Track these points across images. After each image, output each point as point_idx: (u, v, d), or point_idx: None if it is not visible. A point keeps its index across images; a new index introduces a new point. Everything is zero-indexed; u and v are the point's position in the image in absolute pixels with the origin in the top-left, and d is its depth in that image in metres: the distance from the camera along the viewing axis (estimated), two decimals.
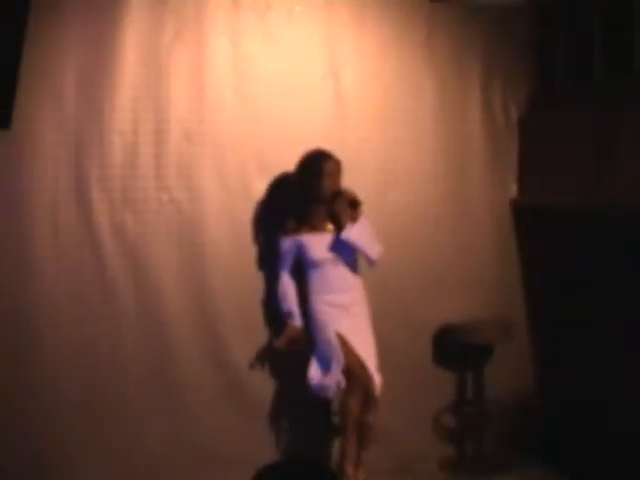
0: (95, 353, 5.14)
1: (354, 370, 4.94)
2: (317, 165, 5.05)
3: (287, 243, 5.10)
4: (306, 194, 5.09)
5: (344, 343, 4.98)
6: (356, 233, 5.03)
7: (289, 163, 5.23)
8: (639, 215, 4.88)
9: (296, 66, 5.41)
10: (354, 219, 4.99)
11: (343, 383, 4.93)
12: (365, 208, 5.05)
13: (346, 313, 5.07)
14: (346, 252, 5.09)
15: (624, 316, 5.11)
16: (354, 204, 4.99)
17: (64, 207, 5.07)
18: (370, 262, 5.18)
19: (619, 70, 5.20)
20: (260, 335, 5.35)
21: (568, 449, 5.55)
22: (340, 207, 5.00)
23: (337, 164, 5.08)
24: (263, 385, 5.37)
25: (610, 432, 5.21)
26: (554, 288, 5.77)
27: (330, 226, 5.10)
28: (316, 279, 5.11)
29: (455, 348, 5.68)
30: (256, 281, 5.36)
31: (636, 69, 5.02)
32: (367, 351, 5.02)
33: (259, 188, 5.36)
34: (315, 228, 5.10)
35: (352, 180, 5.17)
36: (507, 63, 5.91)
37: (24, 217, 5.00)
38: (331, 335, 4.99)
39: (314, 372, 5.02)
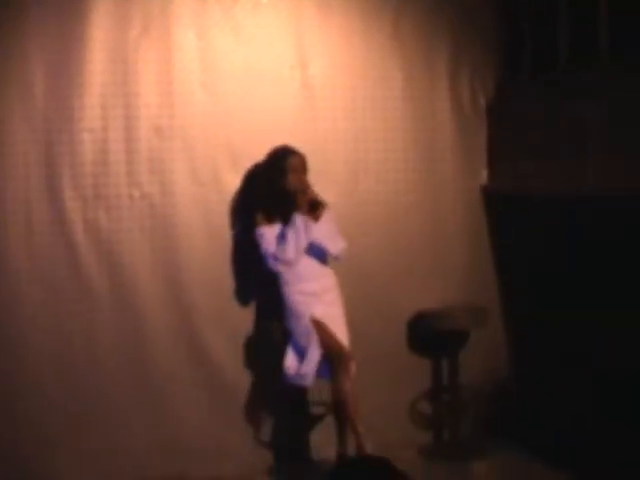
0: (72, 351, 5.15)
1: (337, 352, 4.96)
2: (282, 161, 5.08)
3: (264, 228, 5.06)
4: (272, 189, 5.11)
5: (322, 327, 5.01)
6: (316, 233, 5.06)
7: (259, 154, 5.26)
8: (608, 201, 4.92)
9: (264, 58, 5.42)
10: (315, 219, 5.00)
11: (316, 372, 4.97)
12: (335, 198, 5.11)
13: (320, 300, 5.09)
14: (313, 244, 5.12)
15: (595, 301, 5.14)
16: (315, 205, 5.01)
17: (36, 206, 5.08)
18: (333, 258, 5.22)
19: (585, 57, 5.22)
20: (235, 326, 5.36)
21: (541, 433, 5.58)
22: (302, 207, 5.01)
23: (302, 160, 5.10)
24: (240, 376, 5.38)
25: (583, 415, 5.25)
26: (526, 274, 5.81)
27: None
28: (288, 270, 5.14)
29: (429, 335, 5.71)
30: (230, 272, 5.37)
31: (601, 56, 5.05)
32: (341, 338, 5.05)
33: (230, 180, 5.37)
34: (282, 221, 5.10)
35: (322, 170, 5.22)
36: (474, 52, 5.94)
37: None
38: (307, 322, 5.01)
39: (290, 362, 5.03)
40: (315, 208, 5.00)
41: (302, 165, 5.09)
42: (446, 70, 5.88)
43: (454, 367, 5.69)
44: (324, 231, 5.09)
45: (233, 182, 5.37)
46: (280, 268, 5.04)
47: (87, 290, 5.18)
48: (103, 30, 5.11)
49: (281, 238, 5.01)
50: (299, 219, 4.96)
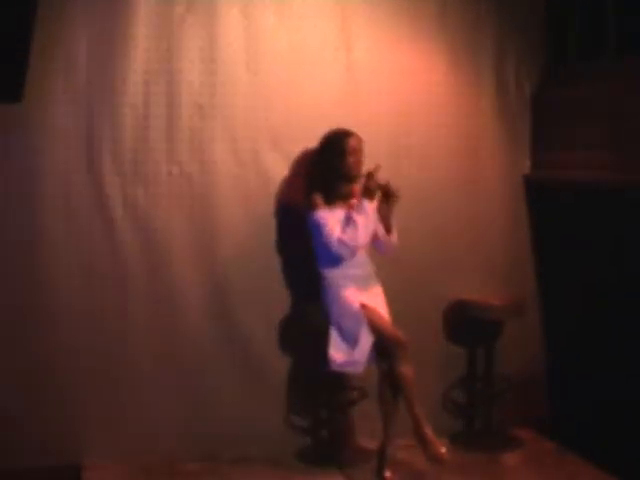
0: (104, 324, 5.17)
1: (391, 334, 4.89)
2: (340, 143, 5.05)
3: (324, 212, 5.00)
4: (330, 172, 5.08)
5: (375, 314, 4.98)
6: (396, 237, 5.14)
7: (301, 136, 5.27)
8: None
9: (308, 39, 5.39)
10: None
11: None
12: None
13: (365, 285, 5.09)
14: None
15: (635, 294, 5.08)
16: (385, 192, 5.04)
17: (75, 179, 5.08)
18: (382, 248, 5.23)
19: (633, 45, 5.15)
20: (272, 308, 5.35)
21: (575, 425, 5.56)
22: (382, 208, 5.07)
23: (360, 141, 5.07)
24: (272, 356, 5.37)
25: (617, 409, 5.22)
26: (566, 266, 5.75)
27: (353, 202, 5.08)
28: (351, 256, 5.07)
29: (466, 324, 5.68)
30: (268, 254, 5.36)
31: None
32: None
33: (271, 161, 5.35)
34: (339, 205, 5.07)
35: (365, 154, 5.15)
36: (520, 39, 5.88)
37: (35, 190, 5.02)
38: (356, 308, 4.97)
39: (337, 349, 4.98)
40: (375, 193, 5.00)
41: (360, 147, 5.07)
42: (491, 56, 5.84)
43: (489, 357, 5.66)
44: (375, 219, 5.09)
45: (273, 163, 5.35)
46: (345, 253, 4.99)
47: (122, 264, 5.19)
48: (148, 5, 5.11)
49: (346, 223, 4.97)
50: (369, 206, 4.95)
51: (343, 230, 4.95)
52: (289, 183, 5.37)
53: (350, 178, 5.07)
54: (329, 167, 5.08)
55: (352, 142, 5.05)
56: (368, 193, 4.96)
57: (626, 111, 5.09)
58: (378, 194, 5.03)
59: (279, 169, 5.38)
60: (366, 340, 4.90)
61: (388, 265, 5.34)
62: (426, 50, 5.64)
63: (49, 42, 4.94)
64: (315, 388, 5.35)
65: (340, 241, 4.95)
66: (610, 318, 5.31)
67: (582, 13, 5.64)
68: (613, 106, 5.20)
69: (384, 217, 5.12)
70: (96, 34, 5.04)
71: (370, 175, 4.96)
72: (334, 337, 5.01)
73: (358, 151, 5.06)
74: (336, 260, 5.04)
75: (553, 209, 5.81)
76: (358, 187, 5.04)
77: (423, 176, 5.64)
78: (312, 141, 5.20)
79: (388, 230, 5.15)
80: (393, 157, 5.54)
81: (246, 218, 5.34)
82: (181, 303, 5.28)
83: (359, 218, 4.94)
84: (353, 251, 5.00)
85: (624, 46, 5.25)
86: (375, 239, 5.18)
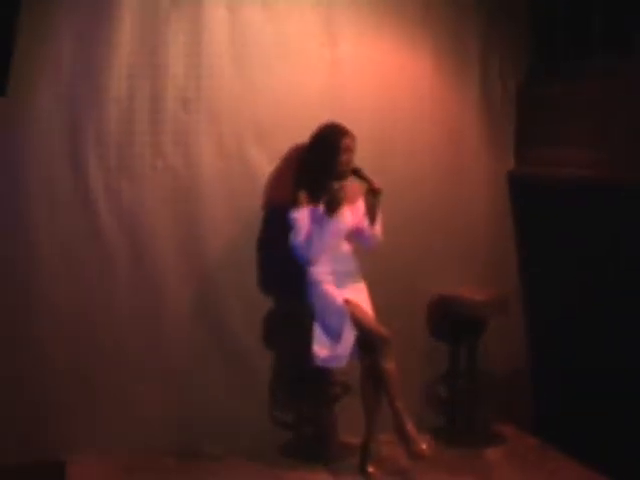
0: (90, 320, 5.15)
1: (374, 329, 4.89)
2: (335, 141, 5.04)
3: (302, 213, 5.02)
4: (320, 169, 5.07)
5: (356, 306, 4.98)
6: (379, 230, 5.14)
7: (286, 130, 5.28)
8: (635, 190, 4.87)
9: (293, 34, 5.38)
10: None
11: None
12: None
13: (349, 281, 5.10)
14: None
15: (620, 292, 5.11)
16: (375, 193, 5.05)
17: (60, 173, 5.07)
18: (369, 247, 5.26)
19: (618, 41, 5.17)
20: (255, 301, 5.35)
21: (558, 421, 5.59)
22: (368, 201, 5.09)
23: (354, 140, 5.07)
24: (257, 351, 5.37)
25: (600, 405, 5.23)
26: (550, 262, 5.77)
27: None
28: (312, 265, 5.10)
29: (449, 320, 5.69)
30: (252, 247, 5.36)
31: (635, 41, 5.00)
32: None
33: (255, 155, 5.35)
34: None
35: None
36: (505, 36, 5.89)
37: (20, 184, 5.00)
38: (340, 302, 4.97)
39: (321, 344, 4.97)
40: (375, 196, 5.06)
41: (354, 145, 5.07)
42: (476, 53, 5.85)
43: (472, 353, 5.66)
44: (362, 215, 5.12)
45: (258, 157, 5.36)
46: (305, 262, 5.04)
47: (107, 259, 5.17)
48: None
49: (313, 225, 4.99)
50: (323, 217, 4.96)
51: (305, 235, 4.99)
52: (276, 179, 5.37)
53: (340, 176, 5.06)
54: (320, 164, 5.07)
55: (347, 141, 5.04)
56: (331, 205, 4.95)
57: (610, 109, 5.10)
58: (361, 192, 5.08)
59: (264, 163, 5.37)
60: (349, 335, 4.90)
61: (372, 260, 5.34)
62: (410, 46, 5.64)
63: (34, 36, 4.92)
64: (299, 383, 5.35)
65: (297, 246, 4.99)
66: (593, 314, 5.32)
67: (566, 10, 5.64)
68: (597, 104, 5.21)
69: (369, 209, 5.13)
70: (81, 29, 5.02)
71: (340, 188, 4.97)
72: (318, 332, 5.01)
73: (351, 150, 5.07)
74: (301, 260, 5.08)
75: (537, 205, 5.82)
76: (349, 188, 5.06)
77: (407, 171, 5.65)
78: (297, 135, 5.22)
79: (372, 222, 5.16)
80: (377, 152, 5.54)
81: (231, 212, 5.34)
82: (165, 298, 5.27)
83: (314, 231, 4.97)
84: (306, 259, 5.03)
85: (608, 44, 5.25)
86: (359, 233, 5.18)
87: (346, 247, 5.16)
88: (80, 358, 5.13)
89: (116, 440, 5.19)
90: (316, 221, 4.99)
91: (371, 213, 5.14)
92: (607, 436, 5.08)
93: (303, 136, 5.15)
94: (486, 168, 5.88)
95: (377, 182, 5.06)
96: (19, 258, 5.02)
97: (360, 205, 5.15)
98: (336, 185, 4.96)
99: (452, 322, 5.69)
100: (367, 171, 5.10)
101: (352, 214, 5.13)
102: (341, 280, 5.08)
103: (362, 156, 5.14)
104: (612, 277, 5.17)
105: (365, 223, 5.16)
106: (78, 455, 5.09)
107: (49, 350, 5.07)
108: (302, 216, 5.01)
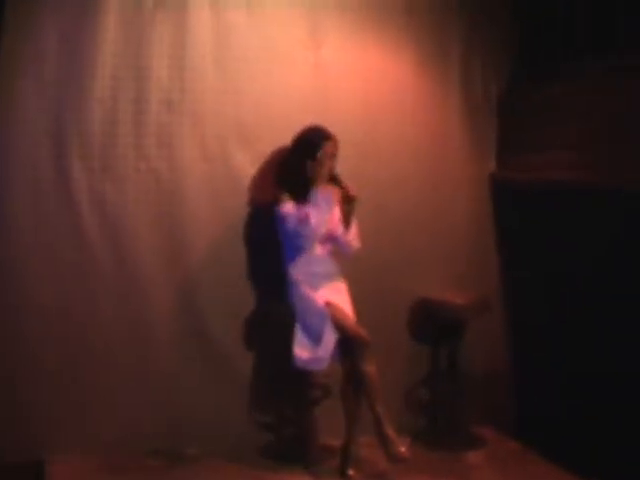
0: (73, 321, 5.16)
1: (354, 332, 4.89)
2: (316, 145, 5.06)
3: (288, 205, 5.05)
4: (302, 172, 5.09)
5: (339, 311, 4.99)
6: (354, 236, 5.16)
7: (269, 133, 5.31)
8: (620, 194, 4.90)
9: (277, 37, 5.42)
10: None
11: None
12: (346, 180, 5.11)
13: (330, 283, 5.11)
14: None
15: (598, 294, 5.13)
16: (349, 199, 5.05)
17: (43, 175, 5.08)
18: (346, 253, 5.27)
19: (600, 46, 5.19)
20: (239, 305, 5.33)
21: (539, 425, 5.59)
22: (343, 207, 5.11)
23: (336, 144, 5.08)
24: (238, 355, 5.34)
25: (581, 408, 5.24)
26: (531, 265, 5.79)
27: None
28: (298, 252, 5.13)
29: (430, 323, 5.69)
30: (236, 250, 5.37)
31: (616, 45, 5.03)
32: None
33: (239, 157, 5.37)
34: (307, 203, 5.09)
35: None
36: (487, 41, 5.92)
37: (2, 185, 5.00)
38: (321, 304, 4.98)
39: (302, 346, 4.97)
40: (349, 203, 5.07)
41: (336, 150, 5.10)
42: (459, 58, 5.88)
43: (453, 355, 5.68)
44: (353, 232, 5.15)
45: (242, 159, 5.38)
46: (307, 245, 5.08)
47: (90, 261, 5.18)
48: (118, 1, 5.11)
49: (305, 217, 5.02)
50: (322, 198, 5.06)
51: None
52: (258, 182, 5.37)
53: (319, 180, 5.10)
54: (301, 167, 5.08)
55: (329, 146, 5.07)
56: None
57: (592, 112, 5.12)
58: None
59: (247, 165, 5.39)
60: (330, 337, 4.90)
61: (353, 263, 5.34)
62: (393, 50, 5.67)
63: (18, 36, 4.94)
64: (280, 385, 5.35)
65: (293, 227, 5.02)
66: (574, 317, 5.34)
67: (549, 15, 5.66)
68: (579, 107, 5.23)
69: (344, 216, 5.13)
70: (65, 29, 5.04)
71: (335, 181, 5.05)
72: (299, 334, 5.02)
73: (333, 155, 5.09)
74: (301, 248, 5.10)
75: (518, 209, 5.84)
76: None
77: (389, 175, 5.67)
78: (280, 138, 5.23)
79: (347, 228, 5.17)
80: (360, 155, 5.57)
81: (214, 214, 5.35)
82: (149, 299, 5.28)
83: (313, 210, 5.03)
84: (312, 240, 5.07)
85: (591, 48, 5.27)
86: (333, 239, 5.20)
87: (320, 250, 5.16)
88: (60, 358, 5.12)
89: (96, 440, 5.17)
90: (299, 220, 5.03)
91: (346, 220, 5.15)
92: (588, 438, 5.09)
93: (287, 138, 5.17)
94: (468, 170, 5.90)
95: (353, 188, 5.06)
96: (4, 258, 5.02)
97: (336, 211, 5.16)
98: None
99: (433, 325, 5.69)
100: (349, 173, 5.12)
101: (326, 219, 5.13)
102: (322, 282, 5.09)
103: (345, 158, 5.16)
104: (594, 279, 5.18)
105: (340, 230, 5.17)
106: (59, 455, 5.07)
107: (29, 347, 5.07)
108: (289, 207, 5.03)
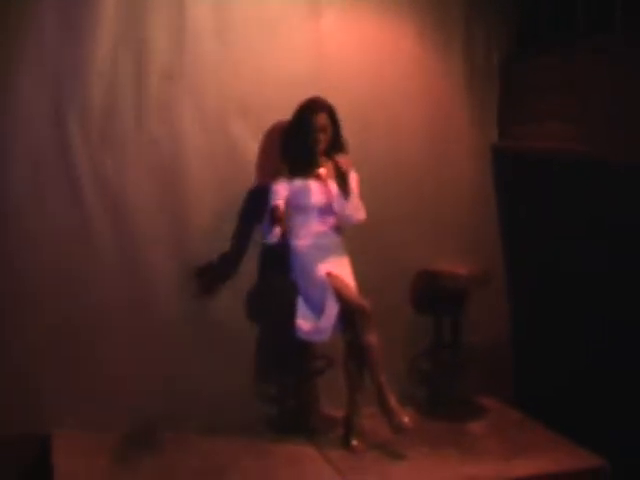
0: (71, 291, 5.15)
1: (355, 302, 4.90)
2: (308, 120, 5.06)
3: (280, 184, 5.07)
4: (299, 146, 5.11)
5: (340, 282, 4.98)
6: (351, 208, 5.08)
7: (270, 105, 5.29)
8: (621, 164, 4.89)
9: (277, 8, 5.38)
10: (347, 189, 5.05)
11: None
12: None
13: (331, 254, 5.11)
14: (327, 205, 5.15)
15: (602, 265, 5.14)
16: (342, 174, 5.02)
17: (43, 149, 5.06)
18: (346, 225, 5.24)
19: (601, 19, 5.16)
20: (240, 276, 5.36)
21: (540, 395, 5.63)
22: (337, 182, 5.04)
23: (326, 118, 5.07)
24: (241, 326, 5.35)
25: (582, 379, 5.28)
26: (533, 236, 5.80)
27: (320, 172, 5.08)
28: (300, 224, 5.12)
29: (433, 293, 5.71)
30: (235, 218, 5.37)
31: (618, 19, 5.01)
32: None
33: (239, 129, 5.36)
34: (307, 176, 5.10)
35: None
36: (490, 8, 5.88)
37: (2, 158, 4.98)
38: (322, 277, 4.99)
39: (303, 320, 4.99)
40: (343, 178, 5.02)
41: (328, 121, 5.08)
42: (461, 27, 5.84)
43: (455, 326, 5.70)
44: (354, 202, 5.09)
45: (242, 131, 5.36)
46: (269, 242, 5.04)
47: (90, 233, 5.17)
48: None
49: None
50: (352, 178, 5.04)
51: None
52: (260, 162, 5.40)
53: (318, 153, 5.10)
54: (298, 141, 5.11)
55: (318, 119, 5.06)
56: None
57: (593, 83, 5.11)
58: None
59: (247, 137, 5.38)
60: (332, 308, 4.91)
61: (355, 235, 5.34)
62: (394, 19, 5.62)
63: (17, 11, 4.91)
64: (283, 357, 5.37)
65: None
66: (576, 288, 5.36)
67: None
68: (581, 78, 5.22)
69: (340, 189, 5.07)
70: (64, 3, 5.00)
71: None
72: (301, 306, 5.04)
73: (323, 128, 5.07)
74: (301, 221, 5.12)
75: (520, 179, 5.84)
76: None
77: (391, 145, 5.66)
78: (281, 110, 5.21)
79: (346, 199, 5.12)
80: (361, 126, 5.51)
81: (215, 186, 5.34)
82: (149, 268, 5.27)
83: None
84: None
85: (592, 21, 5.24)
86: (333, 211, 5.18)
87: (321, 224, 5.16)
88: (65, 331, 5.13)
89: (102, 414, 5.18)
90: (293, 194, 5.05)
91: (343, 193, 5.08)
92: (590, 408, 5.13)
93: (287, 109, 5.15)
94: (470, 141, 5.89)
95: (346, 162, 5.02)
96: (3, 230, 5.03)
97: (332, 185, 5.11)
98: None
99: (436, 295, 5.71)
100: (349, 144, 5.10)
101: (323, 193, 5.12)
102: (324, 253, 5.09)
103: (345, 132, 5.14)
104: (594, 250, 5.19)
105: (338, 203, 5.11)
106: (64, 428, 5.08)
107: (32, 320, 5.08)
108: (279, 187, 5.05)
